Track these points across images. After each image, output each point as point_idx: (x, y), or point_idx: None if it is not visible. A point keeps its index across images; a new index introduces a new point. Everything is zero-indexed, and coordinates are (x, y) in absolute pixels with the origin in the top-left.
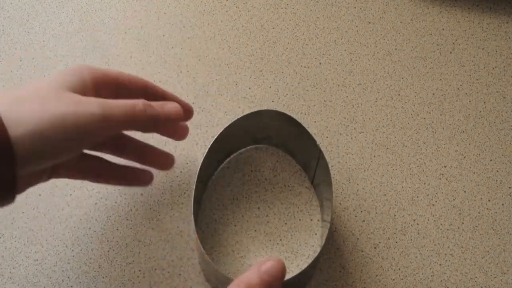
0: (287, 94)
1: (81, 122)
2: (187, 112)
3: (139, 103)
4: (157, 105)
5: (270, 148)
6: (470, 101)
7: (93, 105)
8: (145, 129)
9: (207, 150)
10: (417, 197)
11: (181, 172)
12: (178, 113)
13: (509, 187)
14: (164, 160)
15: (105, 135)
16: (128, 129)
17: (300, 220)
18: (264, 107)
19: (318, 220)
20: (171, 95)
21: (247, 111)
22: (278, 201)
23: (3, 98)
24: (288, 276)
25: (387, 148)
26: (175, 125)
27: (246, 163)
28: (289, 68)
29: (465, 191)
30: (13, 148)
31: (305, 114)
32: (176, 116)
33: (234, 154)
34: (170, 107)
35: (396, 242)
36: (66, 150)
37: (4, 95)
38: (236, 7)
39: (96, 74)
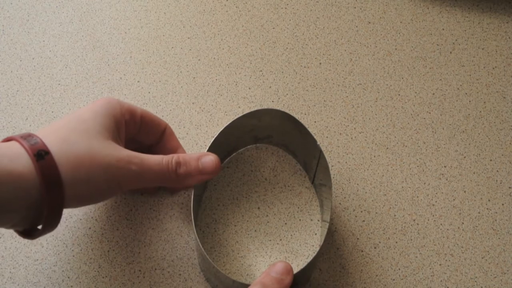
0: (287, 94)
1: (122, 175)
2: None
3: (172, 163)
4: (194, 158)
5: (270, 147)
6: (470, 101)
7: (134, 164)
8: (177, 184)
9: (207, 149)
10: (417, 197)
11: None
12: (214, 168)
13: (509, 187)
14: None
15: (138, 187)
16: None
17: (300, 220)
18: (264, 107)
19: (318, 220)
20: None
21: (247, 111)
22: (278, 201)
23: (51, 135)
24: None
25: (387, 148)
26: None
27: (246, 162)
28: (289, 68)
29: (465, 191)
30: (64, 189)
31: (305, 114)
32: (212, 170)
33: (235, 153)
34: (206, 161)
35: (396, 242)
36: (105, 196)
37: (52, 133)
38: (236, 7)
39: (125, 113)
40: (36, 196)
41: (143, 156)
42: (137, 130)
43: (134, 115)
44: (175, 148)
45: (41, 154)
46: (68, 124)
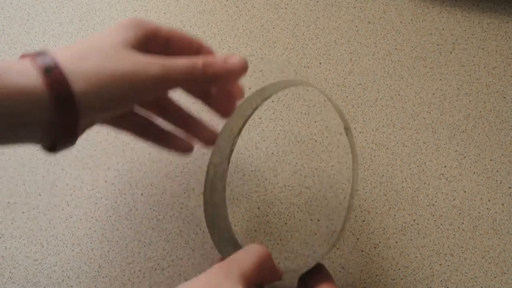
0: (287, 94)
1: (140, 81)
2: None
3: (198, 63)
4: (220, 60)
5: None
6: (470, 101)
7: (153, 66)
8: (203, 87)
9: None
10: (417, 197)
11: (181, 172)
12: (242, 66)
13: (509, 187)
14: (206, 136)
15: (162, 93)
16: (187, 88)
17: (300, 220)
18: (264, 107)
19: (318, 220)
20: (224, 64)
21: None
22: (278, 201)
23: (66, 53)
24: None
25: (387, 148)
26: (233, 85)
27: (246, 162)
28: (289, 68)
29: (465, 191)
30: (76, 102)
31: (305, 114)
32: (240, 69)
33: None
34: (233, 61)
35: (396, 242)
36: (122, 105)
37: (67, 50)
38: (236, 7)
39: (147, 31)
40: (50, 109)
41: (166, 58)
42: (164, 49)
43: (157, 35)
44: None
45: (49, 68)
46: (86, 41)
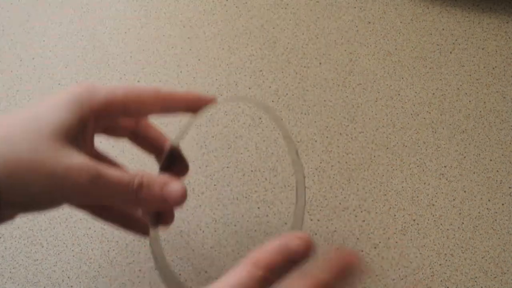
0: (287, 94)
1: (66, 187)
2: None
3: (133, 183)
4: (158, 184)
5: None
6: (470, 101)
7: (84, 176)
8: (135, 205)
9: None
10: (417, 197)
11: None
12: (179, 197)
13: (509, 187)
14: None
15: (91, 203)
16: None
17: None
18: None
19: (318, 220)
20: (186, 95)
21: (247, 111)
22: (278, 201)
23: None
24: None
25: (387, 148)
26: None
27: (246, 162)
28: (289, 68)
29: (465, 191)
30: None
31: (305, 114)
32: (176, 200)
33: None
34: (171, 190)
35: (396, 242)
36: (46, 205)
37: None
38: (236, 7)
39: (97, 107)
40: None
41: (101, 167)
42: (117, 119)
43: (112, 104)
44: (157, 136)
45: None
46: (20, 121)
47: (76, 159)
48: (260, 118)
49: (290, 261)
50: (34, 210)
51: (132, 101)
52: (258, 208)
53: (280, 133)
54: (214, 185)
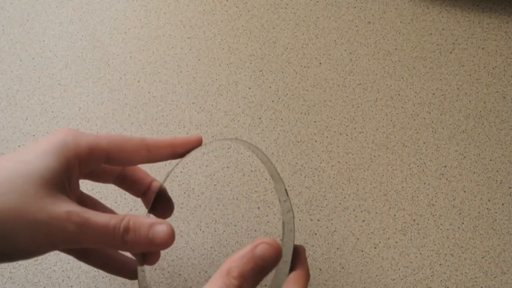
0: (287, 94)
1: (54, 235)
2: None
3: (119, 228)
4: (145, 226)
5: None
6: (470, 101)
7: (71, 223)
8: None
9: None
10: (417, 197)
11: (181, 172)
12: (166, 241)
13: (509, 187)
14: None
15: (79, 247)
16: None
17: (300, 220)
18: (264, 107)
19: (318, 220)
20: (172, 141)
21: (247, 111)
22: (278, 201)
23: None
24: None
25: (387, 148)
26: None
27: (246, 162)
28: (289, 68)
29: (465, 191)
30: None
31: (305, 114)
32: (162, 242)
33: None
34: (158, 233)
35: (396, 242)
36: (32, 255)
37: None
38: (236, 7)
39: (81, 153)
40: None
41: (88, 214)
42: (101, 164)
43: (94, 151)
44: (143, 177)
45: None
46: (8, 167)
47: (64, 207)
48: (260, 118)
49: (261, 266)
50: (19, 259)
51: (116, 150)
52: (258, 208)
53: (267, 172)
54: (214, 185)
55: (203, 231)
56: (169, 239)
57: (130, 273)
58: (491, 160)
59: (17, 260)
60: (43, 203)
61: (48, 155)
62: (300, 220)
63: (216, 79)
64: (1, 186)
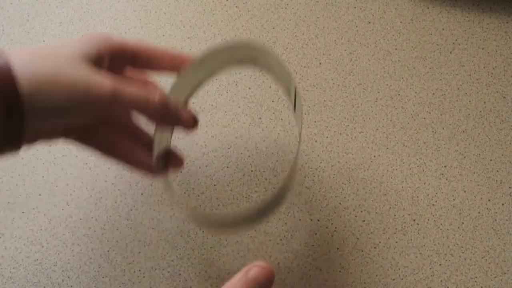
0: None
1: (91, 94)
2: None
3: (154, 98)
4: (174, 107)
5: (255, 69)
6: (470, 101)
7: (105, 86)
8: (151, 119)
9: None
10: (417, 197)
11: (181, 172)
12: (190, 124)
13: (509, 187)
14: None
15: (111, 113)
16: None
17: (300, 220)
18: (264, 107)
19: (318, 220)
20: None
21: (247, 111)
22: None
23: (20, 55)
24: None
25: (387, 148)
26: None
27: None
28: (289, 68)
29: (465, 191)
30: (23, 102)
31: (305, 114)
32: (188, 126)
33: (217, 74)
34: (185, 116)
35: (396, 242)
36: (70, 115)
37: (22, 52)
38: (236, 7)
39: (112, 47)
40: None
41: (122, 81)
42: (132, 64)
43: (124, 49)
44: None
45: None
46: (45, 47)
47: (98, 75)
48: (260, 118)
49: None
50: (55, 119)
51: (143, 52)
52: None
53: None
54: (214, 185)
55: (203, 231)
56: (194, 123)
57: (147, 166)
58: (491, 160)
59: (53, 120)
60: (79, 71)
61: (80, 43)
62: (300, 220)
63: (216, 79)
64: (39, 58)
